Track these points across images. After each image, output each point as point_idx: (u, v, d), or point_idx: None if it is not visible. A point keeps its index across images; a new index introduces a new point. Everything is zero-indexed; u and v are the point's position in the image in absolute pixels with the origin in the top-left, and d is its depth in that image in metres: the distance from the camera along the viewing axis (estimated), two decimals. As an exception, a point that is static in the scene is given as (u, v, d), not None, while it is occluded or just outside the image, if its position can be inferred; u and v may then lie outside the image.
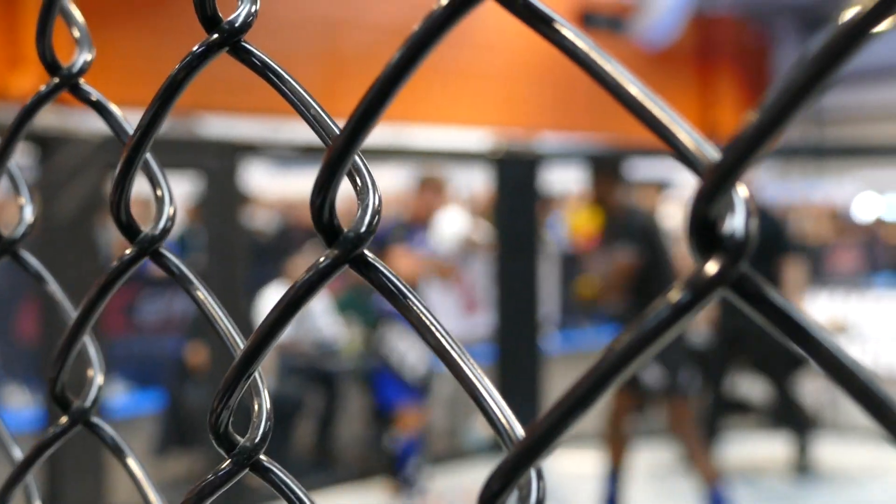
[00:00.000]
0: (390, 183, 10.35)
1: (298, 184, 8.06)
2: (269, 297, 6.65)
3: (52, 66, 0.73)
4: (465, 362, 0.47)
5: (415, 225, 5.71)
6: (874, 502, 5.67)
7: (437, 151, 6.88)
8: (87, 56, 0.74)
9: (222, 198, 5.27)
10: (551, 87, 19.03)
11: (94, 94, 0.72)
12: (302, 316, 6.74)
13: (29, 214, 0.81)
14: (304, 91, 0.60)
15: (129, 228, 0.64)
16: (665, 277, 4.72)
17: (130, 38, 14.17)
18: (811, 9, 24.71)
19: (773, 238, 5.86)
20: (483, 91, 18.40)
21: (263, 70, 0.60)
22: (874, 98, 23.68)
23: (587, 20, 21.36)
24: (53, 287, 0.80)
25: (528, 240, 6.45)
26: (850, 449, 6.54)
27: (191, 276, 0.63)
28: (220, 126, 9.38)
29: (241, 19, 0.59)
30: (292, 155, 5.47)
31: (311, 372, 6.63)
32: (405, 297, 0.49)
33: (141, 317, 8.72)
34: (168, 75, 0.60)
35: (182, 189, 7.03)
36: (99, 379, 0.74)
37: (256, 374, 0.54)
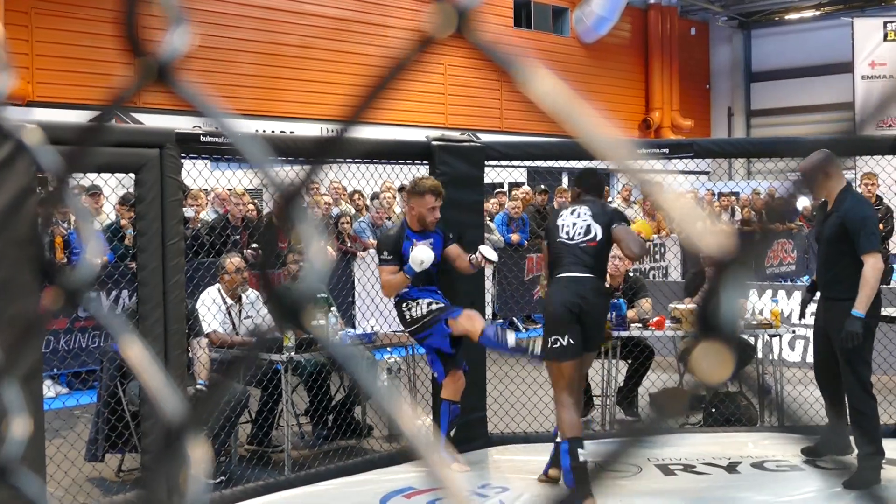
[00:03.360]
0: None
1: (233, 178, 7.96)
2: (206, 300, 6.53)
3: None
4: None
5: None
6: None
7: (381, 142, 6.71)
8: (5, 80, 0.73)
9: (158, 194, 5.18)
10: (492, 90, 19.07)
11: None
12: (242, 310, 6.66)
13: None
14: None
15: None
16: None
17: (61, 39, 13.89)
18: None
19: (858, 227, 5.36)
20: (424, 93, 18.32)
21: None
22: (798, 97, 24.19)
23: (524, 12, 21.46)
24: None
25: (473, 232, 6.44)
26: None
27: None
28: (154, 120, 9.24)
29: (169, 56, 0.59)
30: (228, 150, 5.38)
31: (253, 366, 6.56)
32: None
33: (78, 312, 8.56)
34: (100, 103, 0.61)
35: (116, 184, 6.91)
36: (18, 430, 0.65)
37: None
